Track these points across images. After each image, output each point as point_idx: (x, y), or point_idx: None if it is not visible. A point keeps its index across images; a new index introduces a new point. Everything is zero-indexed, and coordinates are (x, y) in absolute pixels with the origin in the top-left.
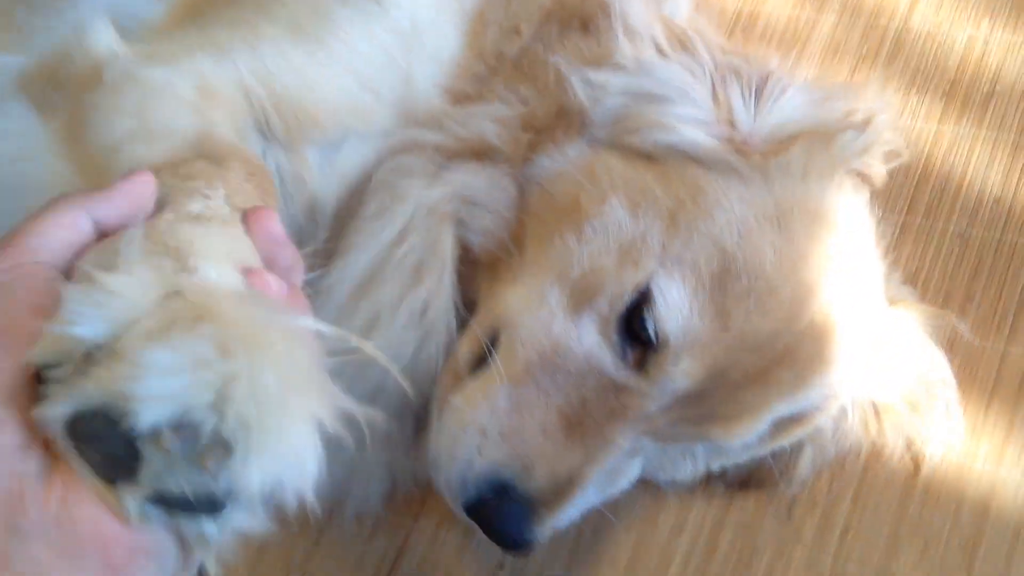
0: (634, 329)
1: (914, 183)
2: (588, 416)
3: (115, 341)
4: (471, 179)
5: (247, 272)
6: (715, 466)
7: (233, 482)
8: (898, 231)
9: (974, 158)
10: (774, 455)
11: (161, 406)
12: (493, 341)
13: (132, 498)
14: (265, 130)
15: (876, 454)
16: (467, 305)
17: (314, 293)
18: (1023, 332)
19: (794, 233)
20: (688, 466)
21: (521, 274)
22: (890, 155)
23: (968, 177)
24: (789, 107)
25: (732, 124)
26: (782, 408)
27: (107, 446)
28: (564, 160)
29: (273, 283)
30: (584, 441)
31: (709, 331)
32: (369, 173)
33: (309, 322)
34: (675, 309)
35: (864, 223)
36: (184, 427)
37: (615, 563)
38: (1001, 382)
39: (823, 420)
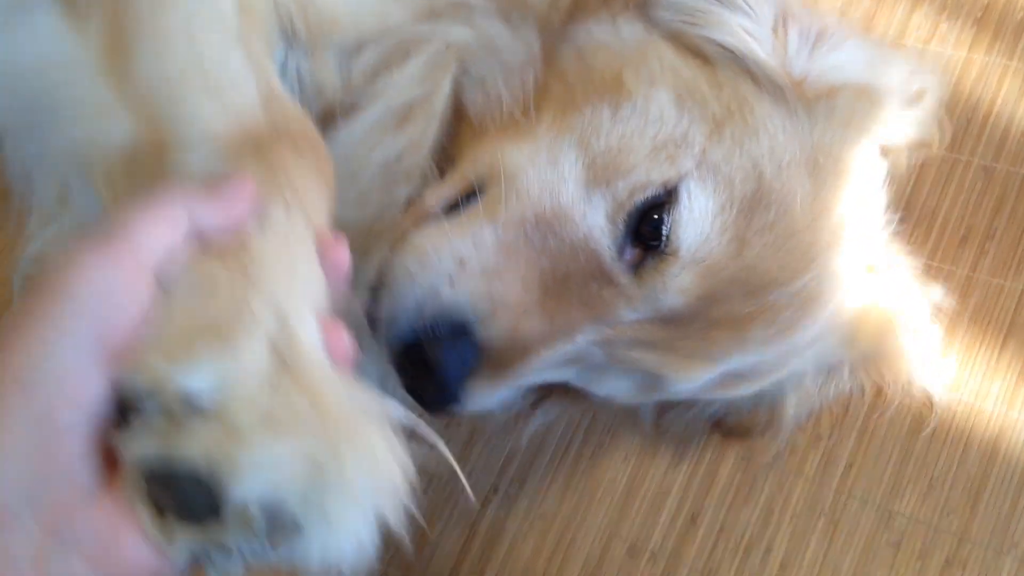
0: (644, 227)
1: (940, 112)
2: (565, 293)
3: (222, 406)
4: (497, 29)
5: (325, 325)
6: (648, 399)
7: (292, 557)
8: (920, 162)
9: (1003, 89)
10: (757, 403)
11: (259, 486)
12: (480, 189)
13: (184, 543)
14: (289, 35)
15: (875, 395)
16: (438, 165)
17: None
18: None
19: (824, 183)
20: (623, 388)
21: (532, 134)
22: (920, 145)
23: (996, 109)
24: (844, 58)
25: (786, 60)
26: (741, 362)
27: (185, 497)
28: (615, 34)
29: (344, 338)
30: (552, 317)
31: (721, 254)
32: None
33: (395, 411)
34: (698, 219)
35: (878, 197)
36: (270, 507)
37: (611, 493)
38: (1017, 322)
39: (774, 380)
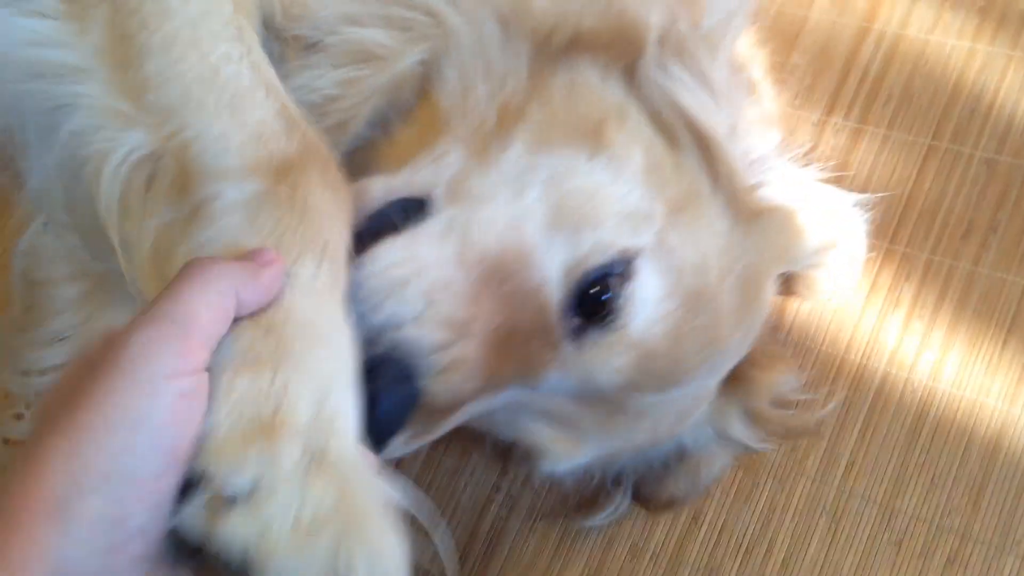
0: (592, 294)
1: (942, 104)
2: (508, 349)
3: (258, 501)
4: (491, 29)
5: None
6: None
7: None
8: (923, 154)
9: (1006, 81)
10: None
11: None
12: (438, 202)
13: None
14: (269, 20)
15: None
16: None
17: None
18: None
19: (746, 301)
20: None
21: (501, 157)
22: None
23: (999, 100)
24: (791, 179)
25: (744, 164)
26: (620, 447)
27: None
28: (602, 84)
29: None
30: (489, 375)
31: (658, 343)
32: None
33: (398, 497)
34: (649, 300)
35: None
36: None
37: None
38: (1020, 317)
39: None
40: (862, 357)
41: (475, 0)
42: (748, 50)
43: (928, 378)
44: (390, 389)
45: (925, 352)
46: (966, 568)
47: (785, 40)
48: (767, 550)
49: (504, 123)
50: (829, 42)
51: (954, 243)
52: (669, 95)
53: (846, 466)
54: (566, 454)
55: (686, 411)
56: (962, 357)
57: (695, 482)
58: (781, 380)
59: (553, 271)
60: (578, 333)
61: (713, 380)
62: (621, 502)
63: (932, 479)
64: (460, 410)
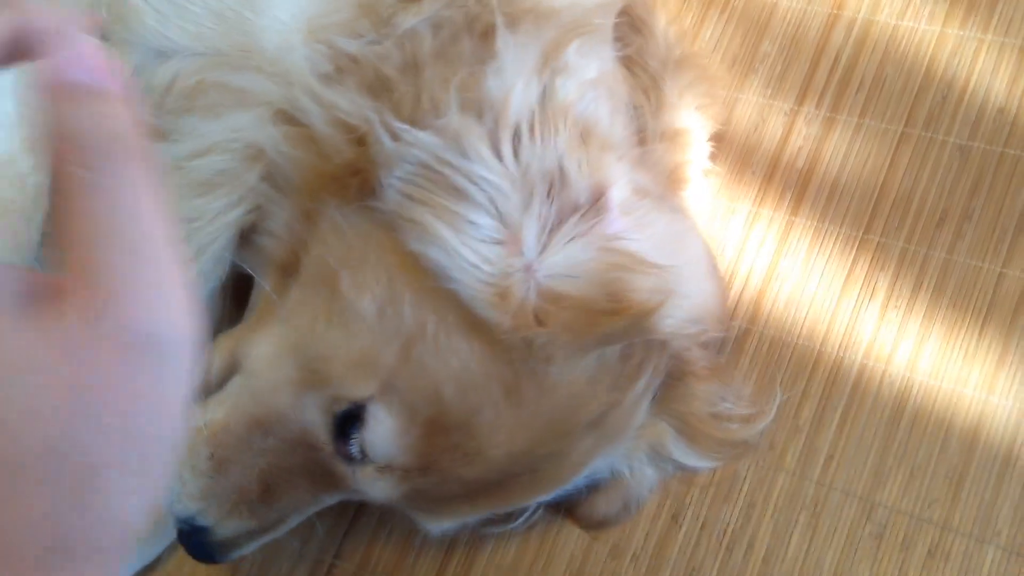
0: (346, 432)
1: (914, 91)
2: (290, 482)
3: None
4: (265, 189)
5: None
6: None
7: None
8: (895, 142)
9: (978, 65)
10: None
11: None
12: (234, 369)
13: None
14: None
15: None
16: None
17: None
18: (1021, 253)
19: (521, 403)
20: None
21: (275, 317)
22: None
23: (971, 85)
24: (575, 257)
25: (519, 248)
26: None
27: None
28: (345, 224)
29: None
30: (277, 504)
31: (411, 466)
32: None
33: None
34: (383, 439)
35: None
36: None
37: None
38: (996, 305)
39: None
40: (839, 349)
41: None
42: None
43: (905, 369)
44: (192, 542)
45: (902, 343)
46: (947, 560)
47: (755, 28)
48: (748, 547)
49: (283, 281)
50: (799, 30)
51: (928, 231)
52: (401, 223)
53: (825, 460)
54: (435, 524)
55: (569, 469)
56: (939, 347)
57: (627, 504)
58: (720, 391)
59: (311, 419)
60: (351, 460)
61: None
62: (534, 514)
63: (912, 471)
64: (280, 527)
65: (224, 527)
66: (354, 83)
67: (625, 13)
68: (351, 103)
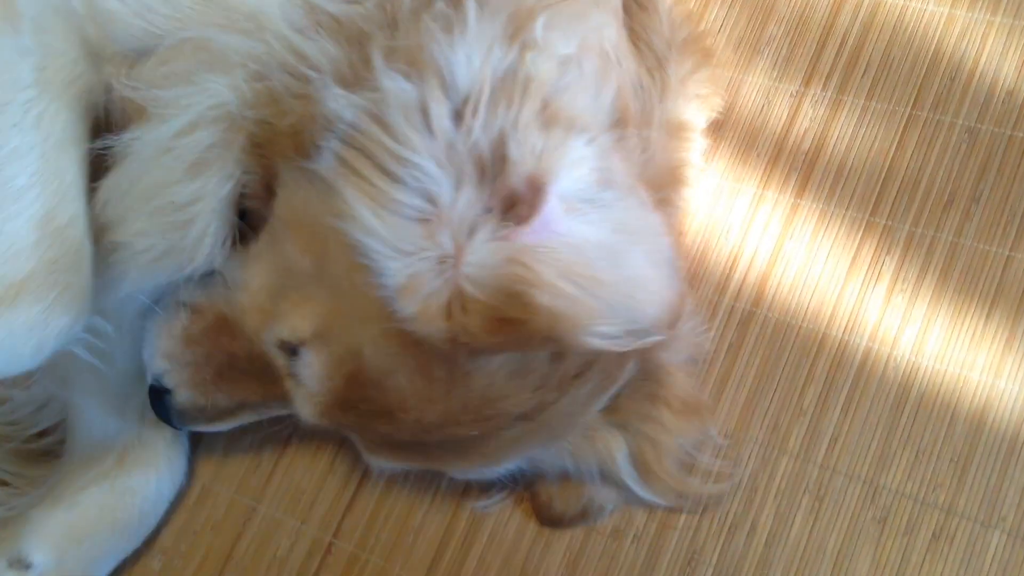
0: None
1: (922, 73)
2: (236, 375)
3: None
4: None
5: None
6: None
7: None
8: (903, 124)
9: (987, 47)
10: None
11: None
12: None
13: None
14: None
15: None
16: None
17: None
18: None
19: (432, 380)
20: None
21: (260, 255)
22: None
23: (980, 67)
24: (488, 261)
25: (437, 235)
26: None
27: None
28: (291, 183)
29: None
30: (225, 389)
31: (332, 405)
32: None
33: None
34: (312, 377)
35: None
36: None
37: None
38: (1004, 289)
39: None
40: (844, 332)
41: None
42: None
43: (911, 352)
44: (157, 398)
45: (908, 326)
46: (951, 544)
47: (760, 9)
48: (750, 530)
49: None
50: (806, 11)
51: (936, 214)
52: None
53: (829, 443)
54: (371, 459)
55: (496, 450)
56: (945, 330)
57: (586, 511)
58: (693, 434)
59: (272, 341)
60: (295, 379)
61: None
62: (505, 495)
63: (916, 455)
64: (232, 417)
65: (181, 394)
66: (331, 38)
67: None
68: (320, 52)
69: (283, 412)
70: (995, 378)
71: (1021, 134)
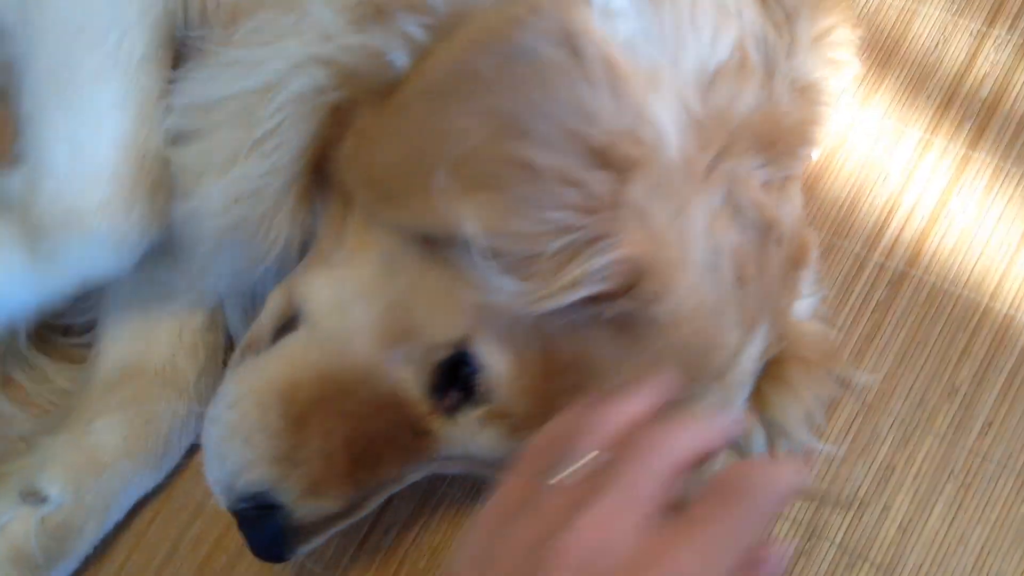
0: (457, 375)
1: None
2: (372, 454)
3: None
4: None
5: None
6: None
7: None
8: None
9: None
10: None
11: None
12: (294, 320)
13: None
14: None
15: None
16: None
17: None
18: None
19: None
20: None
21: (339, 260)
22: None
23: None
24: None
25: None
26: None
27: None
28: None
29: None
30: (365, 478)
31: (533, 412)
32: None
33: None
34: (500, 377)
35: None
36: None
37: None
38: None
39: None
40: (1009, 307)
41: None
42: None
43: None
44: (255, 528)
45: None
46: None
47: None
48: (882, 512)
49: (342, 215)
50: None
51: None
52: None
53: (982, 427)
54: None
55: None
56: None
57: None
58: (825, 389)
59: (406, 372)
60: (452, 410)
61: None
62: None
63: None
64: (357, 515)
65: (303, 507)
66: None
67: None
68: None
69: (417, 477)
70: None
71: None
